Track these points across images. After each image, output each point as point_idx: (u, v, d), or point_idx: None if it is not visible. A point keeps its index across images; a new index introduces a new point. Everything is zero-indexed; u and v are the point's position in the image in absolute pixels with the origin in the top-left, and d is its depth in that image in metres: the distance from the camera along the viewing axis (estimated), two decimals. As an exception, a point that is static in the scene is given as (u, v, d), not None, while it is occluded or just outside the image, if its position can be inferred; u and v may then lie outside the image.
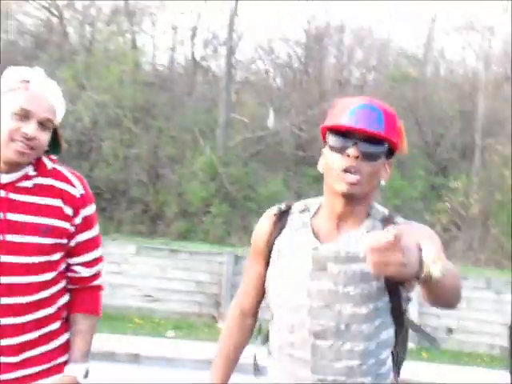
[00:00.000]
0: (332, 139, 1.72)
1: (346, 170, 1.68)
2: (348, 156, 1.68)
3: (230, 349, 1.95)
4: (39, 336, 1.96)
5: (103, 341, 6.23)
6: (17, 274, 1.90)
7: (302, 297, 1.72)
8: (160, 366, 6.10)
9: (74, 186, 2.00)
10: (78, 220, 2.00)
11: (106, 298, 9.00)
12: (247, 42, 18.83)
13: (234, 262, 9.33)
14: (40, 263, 1.93)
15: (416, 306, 8.85)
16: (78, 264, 2.06)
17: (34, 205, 1.93)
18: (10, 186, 1.91)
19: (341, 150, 1.69)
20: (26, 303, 1.92)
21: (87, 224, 2.03)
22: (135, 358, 6.15)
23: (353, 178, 1.67)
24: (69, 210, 1.97)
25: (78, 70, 14.98)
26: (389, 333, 1.76)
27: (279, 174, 15.24)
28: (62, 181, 1.99)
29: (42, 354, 1.98)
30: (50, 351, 2.00)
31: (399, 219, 1.77)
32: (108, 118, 14.93)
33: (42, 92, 1.91)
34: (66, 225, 1.97)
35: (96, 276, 2.12)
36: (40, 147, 1.92)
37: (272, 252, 1.82)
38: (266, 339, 1.90)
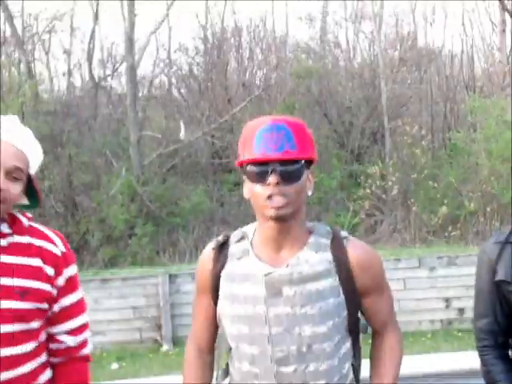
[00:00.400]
0: (249, 170, 1.72)
1: (269, 197, 1.68)
2: (269, 184, 1.68)
3: None
4: None
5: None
6: None
7: (259, 326, 1.70)
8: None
9: (54, 244, 1.81)
10: (60, 281, 1.79)
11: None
12: (146, 57, 18.59)
13: (169, 281, 9.16)
14: (18, 332, 1.70)
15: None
16: (63, 333, 1.83)
17: (10, 265, 1.71)
18: None
19: (260, 180, 1.69)
20: (2, 382, 1.69)
21: (71, 285, 1.83)
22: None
23: (279, 201, 1.67)
24: (50, 270, 1.77)
25: (-26, 109, 14.40)
26: (347, 346, 1.78)
27: (199, 185, 15.12)
28: (40, 238, 1.80)
29: None
30: None
31: (345, 234, 1.81)
32: (14, 153, 14.38)
33: (9, 139, 1.70)
34: (46, 287, 1.75)
35: (83, 345, 1.89)
36: (10, 199, 1.71)
37: (219, 286, 1.79)
38: (226, 373, 1.87)
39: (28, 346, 1.73)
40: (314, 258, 1.71)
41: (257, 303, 1.71)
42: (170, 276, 9.25)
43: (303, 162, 1.73)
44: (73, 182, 14.89)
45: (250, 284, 1.72)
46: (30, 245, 1.77)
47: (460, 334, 8.66)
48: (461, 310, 8.95)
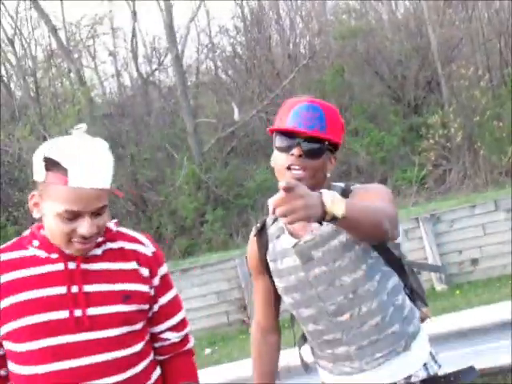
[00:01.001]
0: (278, 140, 1.85)
1: (289, 168, 1.80)
2: (292, 155, 1.79)
3: (263, 370, 2.03)
4: None
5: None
6: (103, 351, 1.69)
7: (307, 289, 1.85)
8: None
9: (144, 245, 1.82)
10: (156, 281, 1.81)
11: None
12: (189, 45, 18.70)
13: (247, 263, 9.23)
14: (126, 334, 1.72)
15: (435, 247, 8.85)
16: (166, 330, 1.87)
17: (109, 271, 1.74)
18: (80, 257, 1.71)
19: (286, 150, 1.82)
20: (117, 382, 1.70)
21: (167, 284, 1.85)
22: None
23: (297, 173, 1.79)
24: (145, 272, 1.79)
25: (33, 123, 14.80)
26: (393, 280, 1.88)
27: (261, 163, 15.13)
28: (131, 242, 1.81)
29: None
30: None
31: (355, 186, 1.89)
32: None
33: (94, 185, 1.63)
34: (145, 288, 1.77)
35: (186, 339, 1.92)
36: (102, 228, 1.70)
37: (268, 265, 1.94)
38: (304, 339, 2.00)
39: (137, 347, 1.76)
40: None
41: (297, 272, 1.85)
42: (246, 257, 9.32)
43: (327, 143, 1.83)
44: (138, 180, 15.15)
45: (288, 257, 1.87)
46: (122, 249, 1.78)
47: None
48: (546, 248, 8.68)
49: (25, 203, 13.80)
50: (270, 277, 1.96)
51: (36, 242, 1.72)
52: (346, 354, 1.85)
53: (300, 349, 2.05)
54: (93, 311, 1.69)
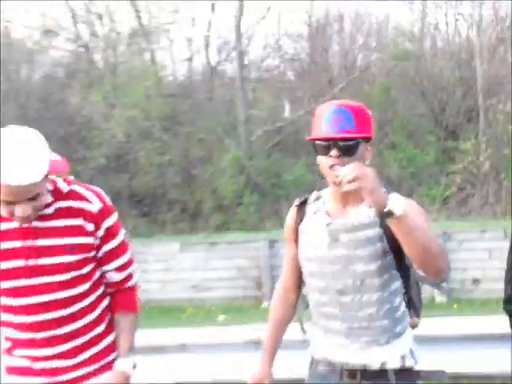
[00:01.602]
0: (317, 146, 1.96)
1: (332, 167, 1.90)
2: (331, 156, 1.90)
3: (276, 320, 2.16)
4: (88, 340, 2.02)
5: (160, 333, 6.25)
6: (54, 291, 1.93)
7: (324, 264, 1.96)
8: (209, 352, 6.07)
9: (91, 203, 1.97)
10: (100, 233, 1.99)
11: (158, 293, 9.04)
12: (256, 42, 18.74)
13: (269, 246, 9.35)
14: (73, 278, 1.95)
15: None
16: (109, 270, 2.07)
17: (58, 228, 1.93)
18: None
19: (325, 153, 1.93)
20: (68, 315, 1.96)
21: (110, 234, 2.02)
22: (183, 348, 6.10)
23: (338, 172, 1.86)
24: (90, 226, 1.96)
25: (107, 91, 15.11)
26: (397, 284, 1.97)
27: (301, 159, 15.14)
28: (79, 200, 1.96)
29: (93, 356, 2.04)
30: (99, 352, 2.05)
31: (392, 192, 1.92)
32: (139, 130, 15.00)
33: (15, 183, 1.76)
34: (89, 240, 1.97)
35: (128, 278, 2.13)
36: (40, 208, 1.88)
37: (298, 235, 2.06)
38: (307, 304, 2.14)
39: (84, 287, 1.99)
40: (365, 211, 1.93)
41: (322, 247, 1.97)
42: (271, 241, 9.43)
43: (360, 139, 1.94)
44: (188, 156, 15.36)
45: (318, 233, 1.99)
46: (70, 208, 1.95)
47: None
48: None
49: (90, 160, 14.21)
50: (297, 245, 2.08)
51: None
52: (338, 329, 1.96)
53: (302, 314, 2.23)
54: (43, 261, 1.91)
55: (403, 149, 15.73)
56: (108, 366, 2.06)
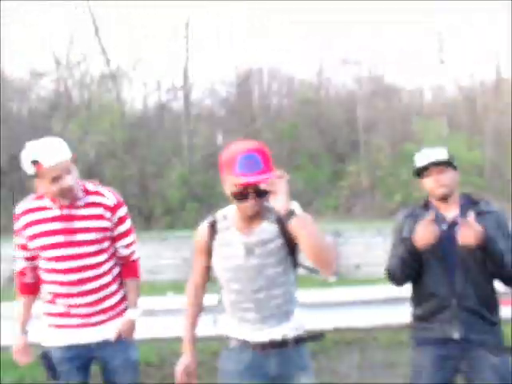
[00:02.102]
0: (234, 188, 1.74)
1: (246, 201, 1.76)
2: (248, 200, 1.76)
3: (193, 316, 2.02)
4: (106, 294, 2.13)
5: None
6: (84, 258, 2.08)
7: (241, 272, 1.85)
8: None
9: (108, 198, 2.12)
10: (115, 219, 2.13)
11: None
12: (197, 85, 18.85)
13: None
14: (96, 250, 2.10)
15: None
16: (120, 247, 2.17)
17: (87, 215, 2.09)
18: (71, 206, 2.08)
19: (243, 197, 1.75)
20: (94, 275, 2.10)
21: (121, 221, 2.16)
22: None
23: (253, 209, 1.77)
24: (108, 214, 2.11)
25: (82, 121, 14.83)
26: (293, 276, 1.90)
27: (230, 176, 15.21)
28: (100, 196, 2.12)
29: (110, 306, 2.14)
30: (114, 303, 2.16)
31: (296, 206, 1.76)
32: (106, 152, 14.80)
33: (51, 163, 1.97)
34: (108, 224, 2.12)
35: (133, 253, 2.21)
36: (71, 184, 2.01)
37: (213, 248, 1.89)
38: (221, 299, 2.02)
39: (103, 257, 2.13)
40: (269, 226, 1.85)
41: (239, 258, 1.85)
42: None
43: (267, 176, 1.70)
44: (144, 172, 15.12)
45: (234, 247, 1.85)
46: (94, 202, 2.11)
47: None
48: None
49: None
50: (209, 256, 1.92)
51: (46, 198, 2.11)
52: (252, 318, 1.87)
53: (219, 301, 2.02)
54: (78, 237, 2.07)
55: (306, 169, 16.21)
56: (120, 313, 2.18)
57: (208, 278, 1.99)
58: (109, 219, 2.11)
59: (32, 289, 2.16)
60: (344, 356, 3.93)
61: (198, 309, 2.03)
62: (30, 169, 1.97)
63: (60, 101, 16.56)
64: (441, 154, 2.06)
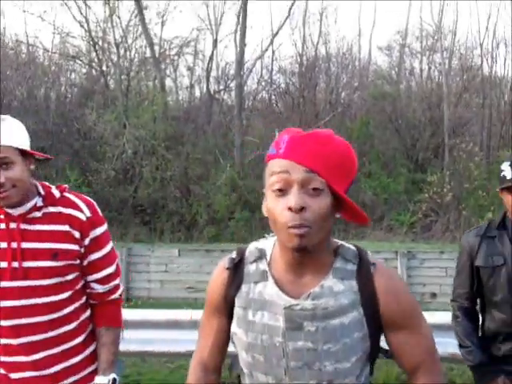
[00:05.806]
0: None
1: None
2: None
3: None
4: (65, 350, 1.81)
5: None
6: (36, 296, 1.75)
7: (276, 357, 1.35)
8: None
9: (81, 211, 1.81)
10: (86, 241, 1.82)
11: (157, 292, 9.50)
12: (253, 75, 19.30)
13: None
14: (56, 284, 1.77)
15: (405, 277, 9.29)
16: (93, 281, 1.88)
17: (44, 232, 1.76)
18: (21, 218, 1.76)
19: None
20: (47, 322, 1.77)
21: (97, 244, 1.85)
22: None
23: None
24: (76, 234, 1.80)
25: (119, 112, 15.53)
26: (366, 373, 1.41)
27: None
28: (69, 207, 1.81)
29: (69, 367, 1.83)
30: (78, 363, 1.84)
31: (370, 257, 1.39)
32: (146, 148, 15.39)
33: None
34: (75, 247, 1.80)
35: (112, 291, 1.92)
36: (13, 180, 1.71)
37: (234, 308, 1.41)
38: None
39: (65, 294, 1.79)
40: (338, 287, 1.33)
41: (274, 334, 1.34)
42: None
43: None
44: (188, 173, 15.70)
45: (268, 313, 1.35)
46: (59, 213, 1.78)
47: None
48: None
49: (101, 171, 14.61)
50: (229, 319, 1.43)
51: None
52: None
53: None
54: (27, 264, 1.73)
55: (378, 178, 16.28)
56: (85, 380, 1.84)
57: (224, 354, 1.53)
58: (77, 241, 1.79)
59: None
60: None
61: None
62: None
63: (94, 87, 17.43)
64: None
